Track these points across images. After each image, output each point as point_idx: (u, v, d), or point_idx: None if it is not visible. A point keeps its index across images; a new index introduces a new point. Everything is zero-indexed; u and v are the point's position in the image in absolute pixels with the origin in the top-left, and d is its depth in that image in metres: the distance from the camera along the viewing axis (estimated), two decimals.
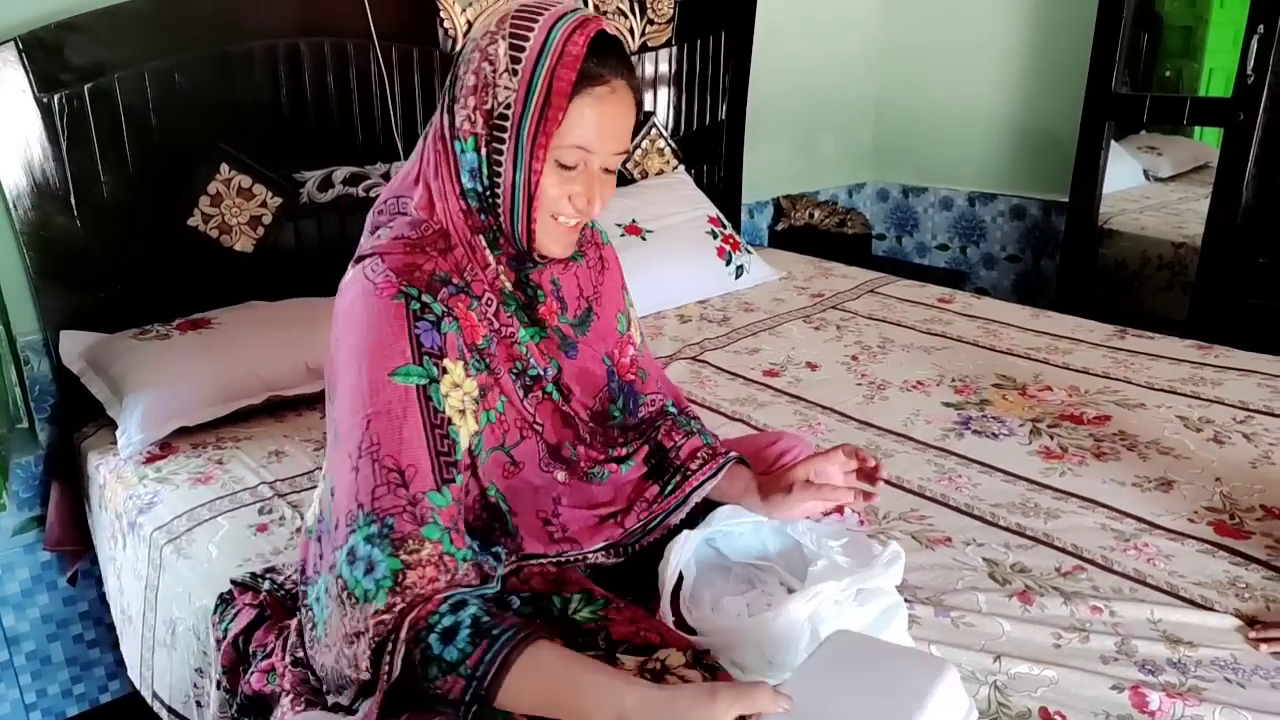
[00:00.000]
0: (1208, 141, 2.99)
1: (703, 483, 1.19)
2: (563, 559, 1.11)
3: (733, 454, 1.23)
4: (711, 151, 3.08)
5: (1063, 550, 1.37)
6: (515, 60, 0.96)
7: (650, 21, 2.73)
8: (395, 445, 0.92)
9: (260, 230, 2.11)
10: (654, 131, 2.86)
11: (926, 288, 2.70)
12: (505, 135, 0.98)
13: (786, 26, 3.22)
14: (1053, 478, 1.58)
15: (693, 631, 1.09)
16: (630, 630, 0.99)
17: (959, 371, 2.05)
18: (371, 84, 2.20)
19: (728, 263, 2.65)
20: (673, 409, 1.28)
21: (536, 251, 1.06)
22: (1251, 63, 2.45)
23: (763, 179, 3.35)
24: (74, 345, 1.87)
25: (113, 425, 1.75)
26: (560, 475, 1.14)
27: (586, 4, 2.54)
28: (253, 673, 1.10)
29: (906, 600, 1.19)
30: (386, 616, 0.87)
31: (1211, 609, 1.23)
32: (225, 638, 1.19)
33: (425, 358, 0.96)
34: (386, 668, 0.87)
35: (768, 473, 1.28)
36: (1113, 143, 2.95)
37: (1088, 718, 1.04)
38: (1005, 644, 1.16)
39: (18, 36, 1.74)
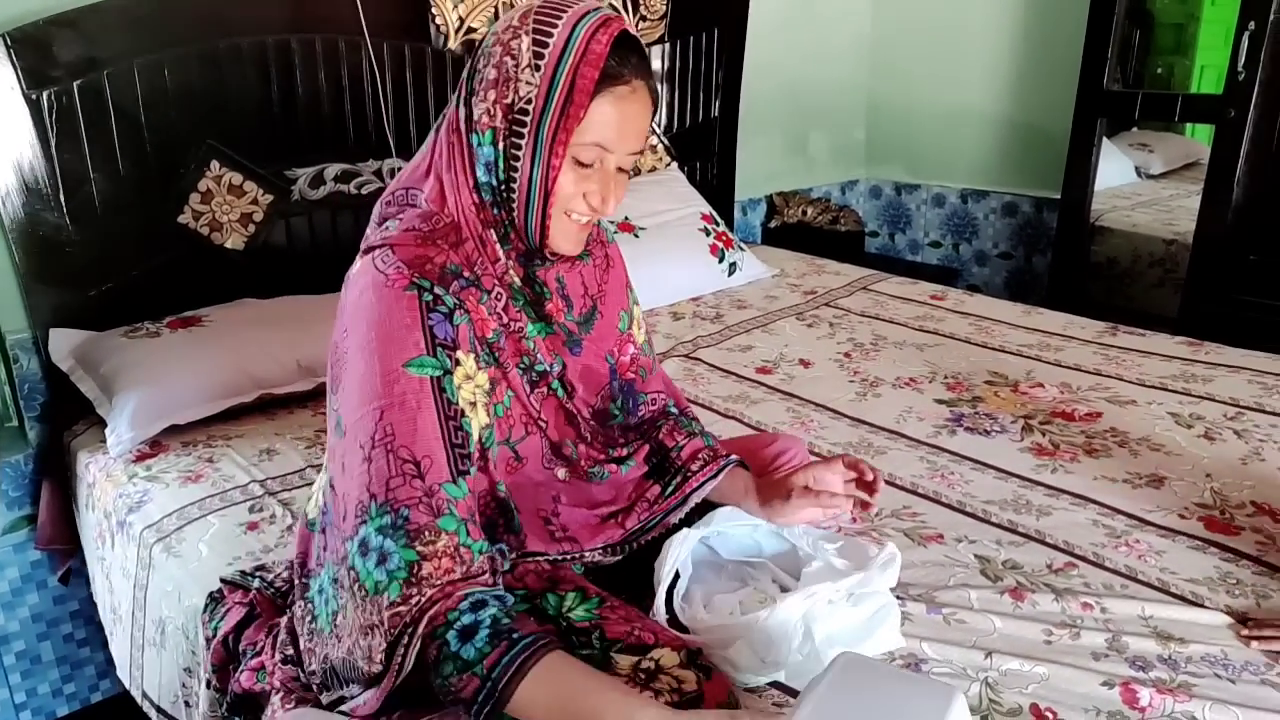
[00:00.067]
0: (1199, 138, 3.00)
1: (703, 484, 1.19)
2: (563, 558, 1.11)
3: (733, 457, 1.23)
4: (704, 148, 3.08)
5: (1054, 547, 1.37)
6: (538, 56, 0.96)
7: (642, 18, 2.73)
8: (410, 436, 0.92)
9: (251, 228, 2.10)
10: None
11: (919, 285, 2.70)
12: (525, 130, 0.98)
13: (778, 23, 3.22)
14: (1044, 474, 1.59)
15: (685, 630, 1.09)
16: (625, 629, 0.99)
17: (951, 368, 2.05)
18: (363, 81, 2.20)
19: (720, 260, 2.65)
20: (674, 410, 1.28)
21: (548, 248, 1.05)
22: (1242, 60, 2.46)
23: (755, 176, 3.35)
24: (63, 343, 1.86)
25: (103, 424, 1.74)
26: (561, 473, 1.14)
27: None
28: (242, 671, 1.10)
29: (899, 598, 1.19)
30: (403, 609, 0.87)
31: (1202, 605, 1.23)
32: (215, 636, 1.19)
33: (439, 349, 0.96)
34: (399, 661, 0.87)
35: (764, 473, 1.28)
36: (1104, 139, 2.95)
37: (1079, 714, 1.04)
38: (996, 640, 1.16)
39: (5, 32, 1.72)
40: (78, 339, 1.87)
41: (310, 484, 1.56)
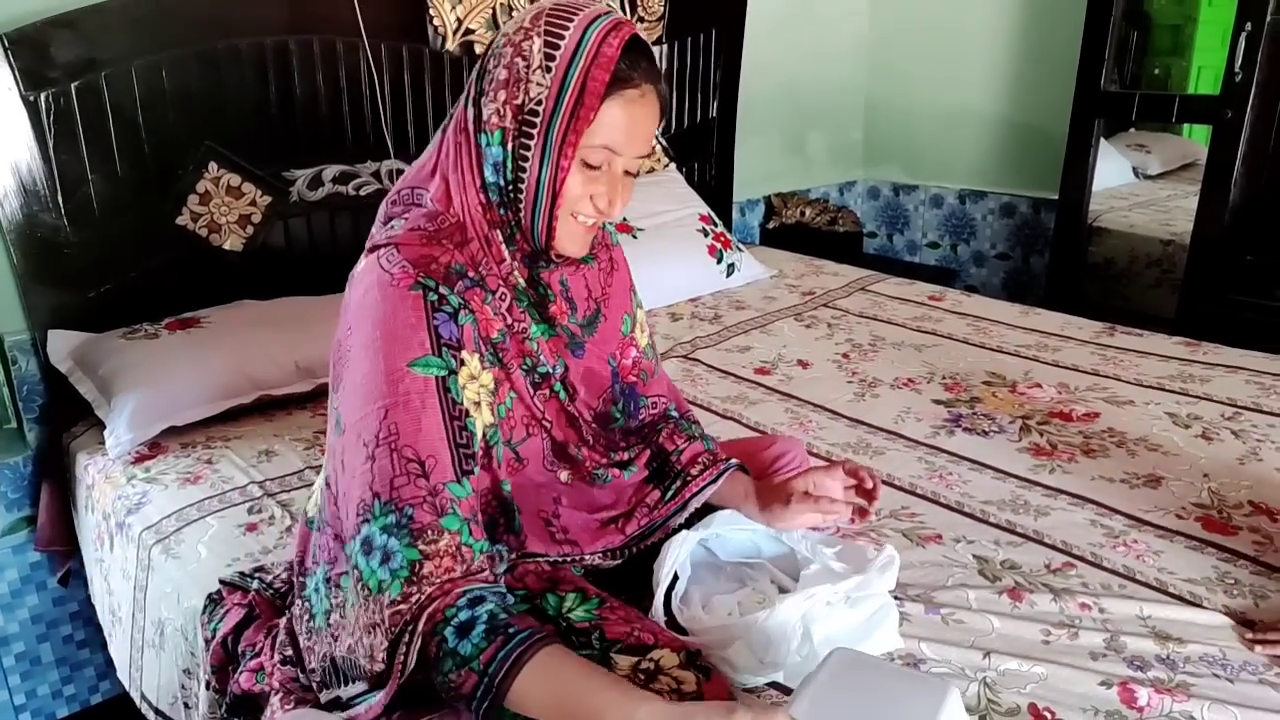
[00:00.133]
0: (1196, 139, 3.01)
1: (703, 488, 1.19)
2: (563, 560, 1.11)
3: (733, 461, 1.23)
4: (702, 149, 3.08)
5: (1052, 547, 1.37)
6: (550, 58, 0.97)
7: (640, 19, 2.73)
8: (414, 436, 0.92)
9: (250, 229, 2.10)
10: None
11: (917, 285, 2.71)
12: (534, 131, 0.98)
13: (776, 24, 3.23)
14: (1042, 475, 1.59)
15: (684, 632, 1.09)
16: (625, 630, 0.99)
17: (949, 369, 2.06)
18: (361, 82, 2.20)
19: (719, 261, 2.65)
20: (674, 413, 1.28)
21: (554, 250, 1.05)
22: (1239, 61, 2.46)
23: (753, 177, 3.35)
24: (62, 345, 1.86)
25: (101, 425, 1.74)
26: (563, 475, 1.15)
27: None
28: (242, 672, 1.10)
29: (897, 598, 1.19)
30: (403, 607, 0.87)
31: (1200, 605, 1.23)
32: (214, 638, 1.19)
33: (444, 349, 0.96)
34: (401, 659, 0.87)
35: (763, 476, 1.28)
36: (1102, 140, 2.96)
37: (1077, 714, 1.04)
38: (995, 641, 1.16)
39: (3, 34, 1.72)
40: (76, 340, 1.87)
41: (310, 485, 1.56)
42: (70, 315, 1.90)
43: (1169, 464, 1.61)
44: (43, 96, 1.78)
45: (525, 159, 0.99)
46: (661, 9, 2.77)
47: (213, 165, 2.02)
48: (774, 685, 1.06)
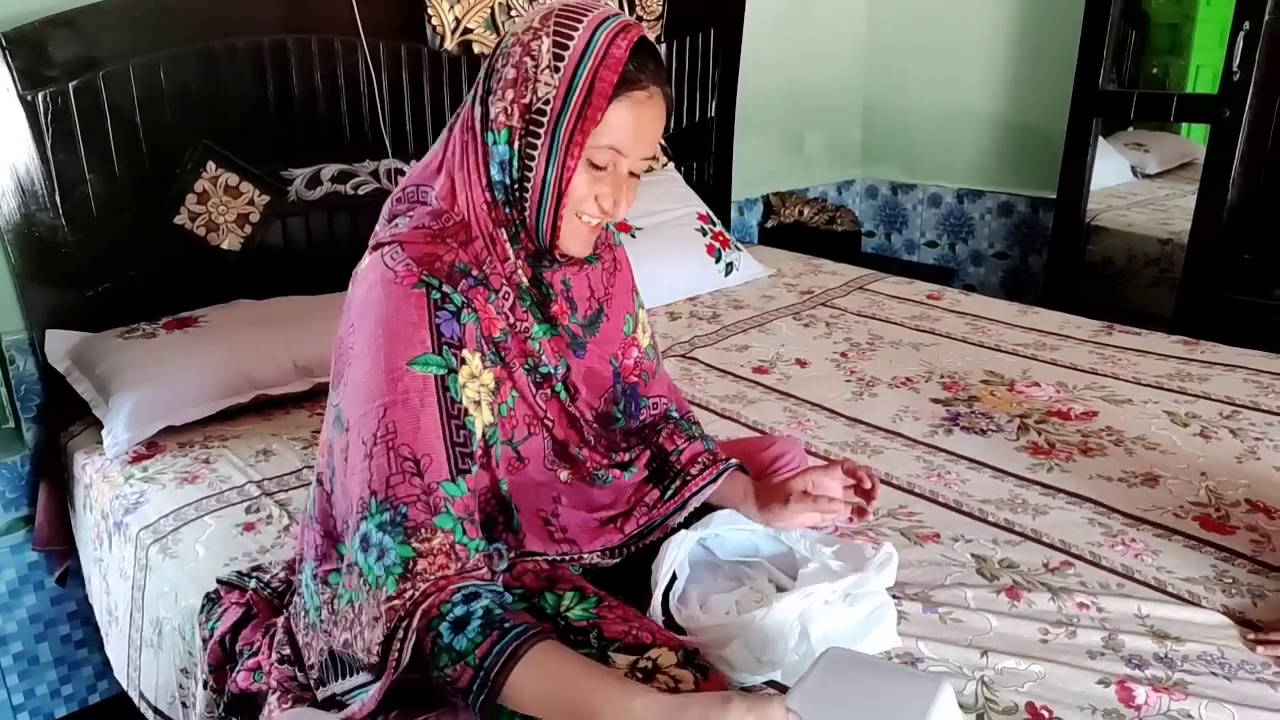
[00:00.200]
0: (1194, 138, 3.01)
1: (702, 487, 1.20)
2: (562, 559, 1.11)
3: (733, 461, 1.23)
4: (701, 148, 3.08)
5: (1050, 546, 1.38)
6: (558, 57, 0.97)
7: (639, 18, 2.73)
8: (412, 434, 0.93)
9: (248, 228, 2.10)
10: None
11: (915, 284, 2.71)
12: (541, 130, 0.98)
13: (775, 24, 3.23)
14: (1040, 473, 1.59)
15: (682, 631, 1.09)
16: (623, 629, 0.99)
17: (947, 368, 2.06)
18: (359, 81, 2.19)
19: (717, 260, 2.65)
20: (675, 414, 1.28)
21: (558, 249, 1.06)
22: (1237, 60, 2.46)
23: (752, 176, 3.35)
24: (60, 344, 1.86)
25: (99, 425, 1.74)
26: (564, 474, 1.15)
27: None
28: (239, 671, 1.10)
29: (895, 597, 1.19)
30: (397, 603, 0.88)
31: (1198, 604, 1.23)
32: (212, 637, 1.19)
33: (445, 348, 0.96)
34: (396, 654, 0.87)
35: (762, 476, 1.28)
36: (1100, 139, 2.96)
37: (1075, 712, 1.04)
38: (993, 639, 1.16)
39: (1, 33, 1.72)
40: (74, 340, 1.87)
41: (308, 484, 1.56)
42: (68, 315, 1.90)
43: (1167, 463, 1.61)
44: (40, 96, 1.78)
45: (531, 158, 0.99)
46: (660, 8, 2.77)
47: (211, 164, 2.02)
48: (771, 684, 1.06)
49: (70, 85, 1.81)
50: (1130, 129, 3.20)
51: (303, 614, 1.02)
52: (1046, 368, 2.05)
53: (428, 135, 2.32)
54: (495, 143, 1.00)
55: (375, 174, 2.26)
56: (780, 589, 1.18)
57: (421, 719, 0.94)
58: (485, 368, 1.02)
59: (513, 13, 2.41)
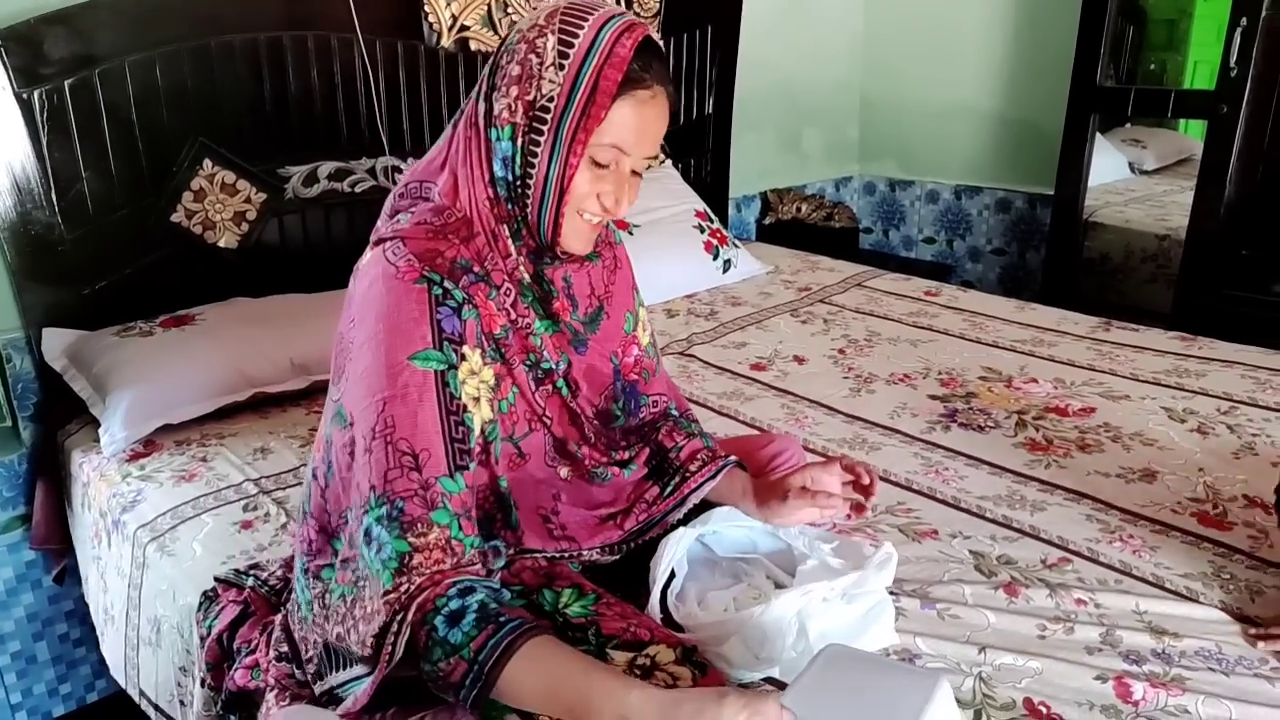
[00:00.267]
0: (1192, 134, 3.01)
1: (701, 484, 1.20)
2: (561, 556, 1.11)
3: (732, 457, 1.24)
4: (698, 145, 3.08)
5: (1048, 542, 1.38)
6: (563, 55, 0.97)
7: (636, 14, 2.72)
8: (410, 429, 0.93)
9: (244, 226, 2.10)
10: None
11: (913, 281, 2.71)
12: (544, 127, 0.98)
13: (772, 20, 3.22)
14: (1038, 470, 1.59)
15: (680, 628, 1.09)
16: (621, 626, 0.99)
17: (945, 364, 2.06)
18: (356, 79, 2.19)
19: (715, 257, 2.65)
20: (674, 411, 1.28)
21: (559, 246, 1.06)
22: (1234, 56, 2.46)
23: (749, 173, 3.35)
24: (56, 343, 1.85)
25: (96, 423, 1.74)
26: (564, 472, 1.15)
27: None
28: (237, 669, 1.10)
29: (893, 594, 1.19)
30: (393, 596, 0.88)
31: (1196, 600, 1.23)
32: (209, 635, 1.19)
33: (445, 343, 0.97)
34: (390, 647, 0.87)
35: (761, 474, 1.28)
36: (1097, 135, 2.96)
37: (1072, 708, 1.04)
38: (990, 635, 1.16)
39: None
40: (70, 338, 1.86)
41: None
42: (64, 313, 1.90)
43: (1164, 459, 1.61)
44: (36, 94, 1.77)
45: (534, 155, 0.99)
46: (657, 5, 2.77)
47: (207, 162, 2.02)
48: (769, 680, 1.06)
49: (66, 83, 1.80)
50: (1128, 125, 3.20)
51: (296, 610, 1.02)
52: (1044, 364, 2.05)
53: (425, 133, 2.32)
54: (498, 139, 1.01)
55: (372, 171, 2.26)
56: (779, 586, 1.18)
57: (418, 716, 0.94)
58: (485, 364, 1.02)
59: (509, 10, 2.41)
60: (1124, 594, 1.24)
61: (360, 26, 2.15)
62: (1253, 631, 1.16)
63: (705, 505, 1.22)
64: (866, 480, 1.21)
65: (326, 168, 2.19)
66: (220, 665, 1.17)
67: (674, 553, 1.14)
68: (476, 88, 1.04)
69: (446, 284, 0.98)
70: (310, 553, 1.01)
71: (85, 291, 1.92)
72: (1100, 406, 1.82)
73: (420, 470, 0.92)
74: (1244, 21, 2.43)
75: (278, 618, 1.11)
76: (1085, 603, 1.23)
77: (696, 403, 1.88)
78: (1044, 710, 1.04)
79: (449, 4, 2.31)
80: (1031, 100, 3.21)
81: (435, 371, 0.95)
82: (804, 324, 2.36)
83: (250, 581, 1.25)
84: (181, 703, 1.35)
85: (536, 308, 1.09)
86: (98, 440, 1.72)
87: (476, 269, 1.02)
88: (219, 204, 2.05)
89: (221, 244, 2.07)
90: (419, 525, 0.90)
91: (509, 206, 1.03)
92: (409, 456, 0.92)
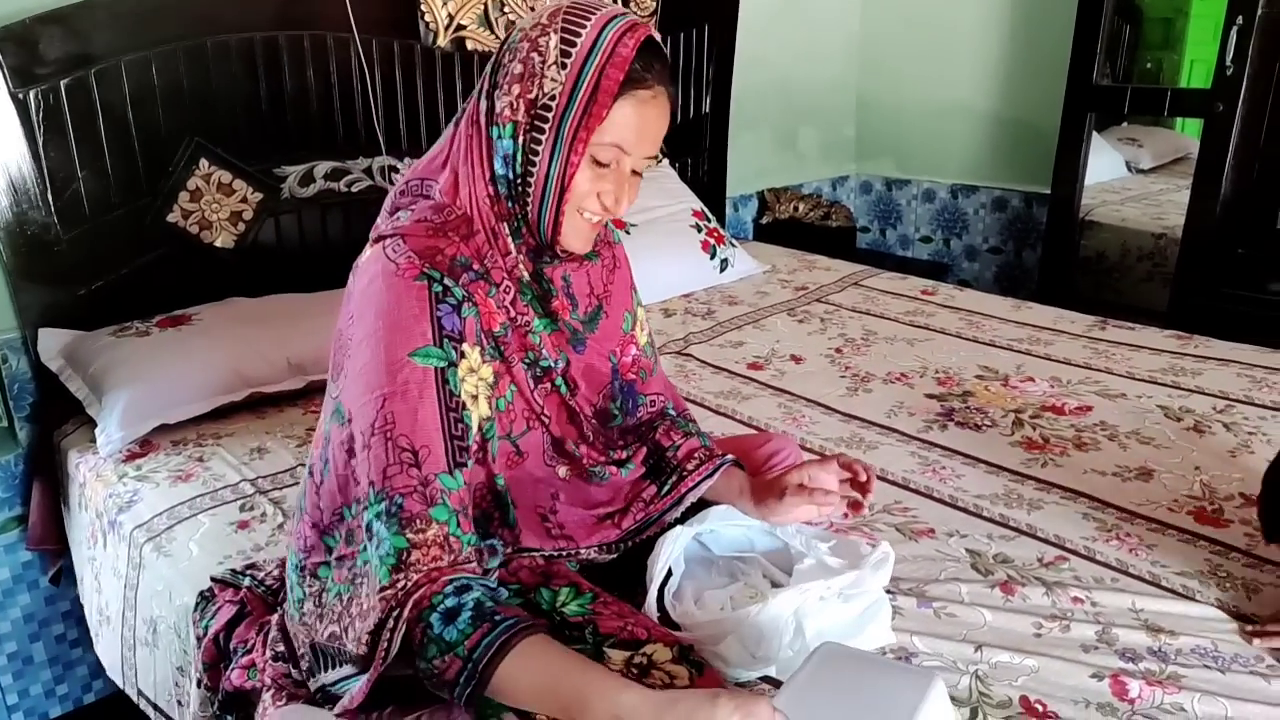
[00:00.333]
0: (1188, 133, 3.01)
1: (699, 483, 1.20)
2: (558, 554, 1.11)
3: (729, 456, 1.24)
4: (695, 145, 3.08)
5: (1044, 541, 1.38)
6: (565, 54, 0.97)
7: (634, 14, 2.72)
8: (410, 426, 0.93)
9: (241, 226, 2.10)
10: None
11: (909, 280, 2.71)
12: (546, 126, 0.98)
13: (768, 19, 3.22)
14: (1034, 468, 1.59)
15: (677, 627, 1.09)
16: (618, 625, 0.99)
17: (941, 363, 2.06)
18: (352, 78, 2.19)
19: (712, 256, 2.65)
20: (672, 411, 1.28)
21: (559, 245, 1.06)
22: (1230, 54, 2.47)
23: (747, 172, 3.35)
24: (52, 343, 1.85)
25: (92, 423, 1.74)
26: (562, 470, 1.15)
27: None
28: (233, 669, 1.10)
29: (889, 592, 1.19)
30: (389, 593, 0.88)
31: (1192, 598, 1.24)
32: (206, 635, 1.19)
33: (445, 340, 0.97)
34: (385, 644, 0.87)
35: (758, 473, 1.29)
36: (1094, 134, 2.96)
37: (1068, 706, 1.04)
38: (987, 634, 1.17)
39: None
40: (66, 338, 1.86)
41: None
42: (60, 313, 1.89)
43: (1161, 457, 1.62)
44: (32, 94, 1.77)
45: (535, 153, 1.00)
46: (654, 4, 2.77)
47: (203, 162, 2.02)
48: (766, 679, 1.07)
49: (62, 83, 1.80)
50: (1124, 124, 3.20)
51: (290, 605, 1.02)
52: (1040, 363, 2.05)
53: (421, 132, 2.32)
54: (500, 137, 1.01)
55: (369, 171, 2.26)
56: (775, 585, 1.18)
57: (415, 715, 0.94)
58: (484, 362, 1.02)
59: (506, 9, 2.40)
60: (1120, 592, 1.25)
61: (357, 26, 2.14)
62: (1249, 629, 1.16)
63: (702, 504, 1.22)
64: (864, 478, 1.21)
65: (323, 167, 2.19)
66: (217, 665, 1.17)
67: (671, 551, 1.14)
68: (478, 85, 1.05)
69: (446, 281, 0.98)
70: (305, 549, 1.01)
71: (81, 291, 1.92)
72: (1097, 405, 1.82)
73: (420, 467, 0.92)
74: (1240, 20, 2.43)
75: (274, 617, 1.11)
76: (1082, 601, 1.23)
77: (694, 402, 1.88)
78: (1040, 708, 1.04)
79: (445, 3, 2.30)
80: (1028, 99, 3.21)
81: (435, 368, 0.95)
82: (801, 323, 2.36)
83: (247, 581, 1.24)
84: (179, 703, 1.35)
85: (536, 306, 1.09)
86: (94, 440, 1.72)
87: (476, 267, 1.02)
88: (215, 204, 2.05)
89: (218, 244, 2.07)
90: (418, 521, 0.90)
91: (509, 204, 1.03)
92: (409, 453, 0.92)
